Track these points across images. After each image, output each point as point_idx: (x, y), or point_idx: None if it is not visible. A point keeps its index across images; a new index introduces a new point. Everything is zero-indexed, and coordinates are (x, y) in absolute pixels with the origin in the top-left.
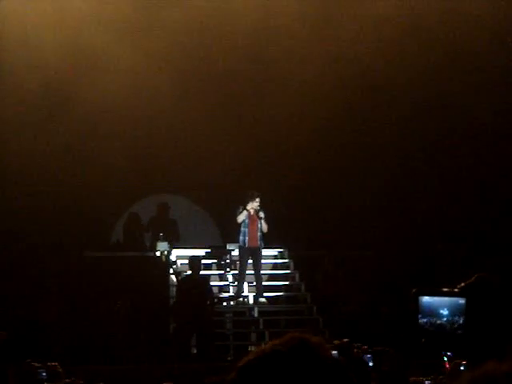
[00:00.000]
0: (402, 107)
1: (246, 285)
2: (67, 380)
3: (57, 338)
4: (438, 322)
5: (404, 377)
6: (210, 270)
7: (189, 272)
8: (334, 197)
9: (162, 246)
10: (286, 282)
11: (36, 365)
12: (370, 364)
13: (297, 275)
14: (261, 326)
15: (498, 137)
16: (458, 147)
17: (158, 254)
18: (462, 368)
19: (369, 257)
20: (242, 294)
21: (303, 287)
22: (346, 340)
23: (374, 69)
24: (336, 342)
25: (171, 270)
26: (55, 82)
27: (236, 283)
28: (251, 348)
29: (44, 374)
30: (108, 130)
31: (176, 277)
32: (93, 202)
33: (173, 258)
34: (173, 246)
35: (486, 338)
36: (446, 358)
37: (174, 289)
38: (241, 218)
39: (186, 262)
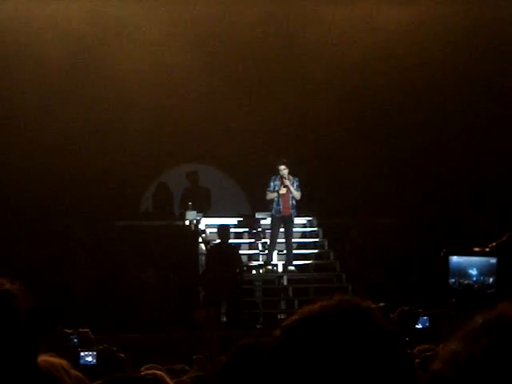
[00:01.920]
0: (427, 75)
1: (275, 253)
2: (100, 347)
3: (87, 306)
4: (466, 281)
5: None
6: (241, 238)
7: (218, 240)
8: (362, 165)
9: (191, 215)
10: (315, 251)
11: (68, 331)
12: (426, 325)
13: (325, 243)
14: (290, 294)
15: None
16: (484, 113)
17: (187, 222)
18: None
19: (397, 224)
20: (272, 263)
21: (332, 255)
22: (382, 304)
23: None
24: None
25: (200, 239)
26: (81, 52)
27: (266, 251)
28: (281, 316)
29: (76, 339)
30: (136, 99)
31: (205, 245)
32: (122, 171)
33: (202, 226)
34: (204, 215)
35: None
36: None
37: (204, 257)
38: (270, 195)
39: (215, 230)
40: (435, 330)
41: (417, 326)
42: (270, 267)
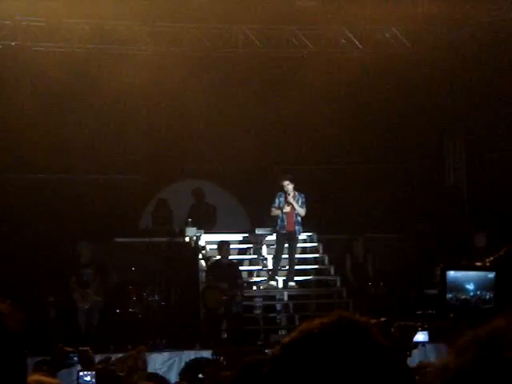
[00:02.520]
0: (428, 83)
1: (271, 266)
2: (99, 366)
3: (87, 323)
4: (463, 296)
5: None
6: (245, 254)
7: (218, 257)
8: (362, 180)
9: (191, 232)
10: (316, 266)
11: (68, 349)
12: (426, 339)
13: (326, 259)
14: (291, 310)
15: None
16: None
17: (187, 239)
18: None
19: (397, 239)
20: (267, 278)
21: (332, 270)
22: (383, 319)
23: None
24: (373, 321)
25: (200, 255)
26: (78, 68)
27: (269, 267)
28: (281, 332)
29: (76, 358)
30: (135, 116)
31: (205, 262)
32: (121, 188)
33: (202, 243)
34: (205, 231)
35: None
36: None
37: (204, 274)
38: (274, 212)
39: (215, 246)
40: (434, 344)
41: (415, 341)
42: (273, 283)
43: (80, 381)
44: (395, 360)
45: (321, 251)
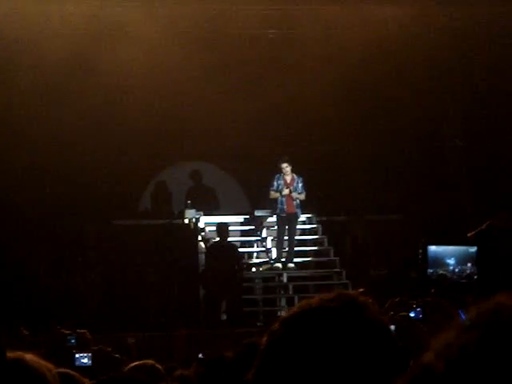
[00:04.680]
0: (426, 73)
1: (274, 250)
2: (94, 348)
3: (87, 305)
4: (442, 271)
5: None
6: (248, 236)
7: (217, 239)
8: (362, 161)
9: (191, 214)
10: (315, 248)
11: (65, 331)
12: (420, 316)
13: (325, 240)
14: (290, 292)
15: None
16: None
17: (186, 221)
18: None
19: (397, 220)
20: (272, 261)
21: (332, 252)
22: (360, 290)
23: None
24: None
25: (200, 237)
26: (77, 52)
27: (265, 249)
28: (281, 313)
29: (73, 340)
30: (134, 99)
31: (204, 244)
32: (120, 170)
33: (201, 225)
34: (205, 213)
35: (498, 284)
36: None
37: (203, 256)
38: (273, 195)
39: (215, 228)
40: (428, 319)
41: (411, 315)
42: (279, 265)
43: (77, 363)
44: (392, 336)
45: (320, 233)
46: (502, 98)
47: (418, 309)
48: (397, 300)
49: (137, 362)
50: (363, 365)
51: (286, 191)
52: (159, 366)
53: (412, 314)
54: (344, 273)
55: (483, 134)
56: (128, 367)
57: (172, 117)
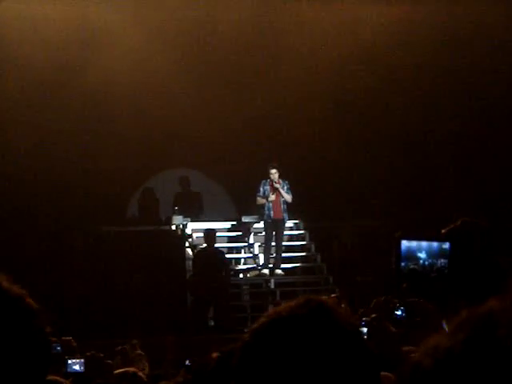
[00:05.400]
0: (418, 82)
1: (262, 256)
2: (87, 353)
3: (75, 312)
4: (412, 266)
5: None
6: (235, 242)
7: (204, 245)
8: (348, 167)
9: (178, 220)
10: (302, 253)
11: (52, 339)
12: (403, 315)
13: (312, 246)
14: (277, 298)
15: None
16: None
17: (173, 227)
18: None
19: (385, 226)
20: (259, 267)
21: (319, 258)
22: (333, 295)
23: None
24: (324, 298)
25: (187, 244)
26: (64, 57)
27: (252, 255)
28: None
29: (59, 347)
30: (121, 105)
31: (192, 250)
32: (108, 177)
33: (188, 231)
34: (193, 219)
35: (469, 282)
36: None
37: (190, 262)
38: (260, 201)
39: (202, 235)
40: (410, 319)
41: (396, 313)
42: (266, 271)
43: (69, 369)
44: (362, 339)
45: (307, 238)
46: (488, 109)
47: (402, 307)
48: (382, 299)
49: (119, 370)
50: (334, 369)
51: (272, 197)
52: (141, 374)
53: (398, 312)
54: (331, 278)
55: (471, 140)
56: (111, 375)
57: (159, 124)
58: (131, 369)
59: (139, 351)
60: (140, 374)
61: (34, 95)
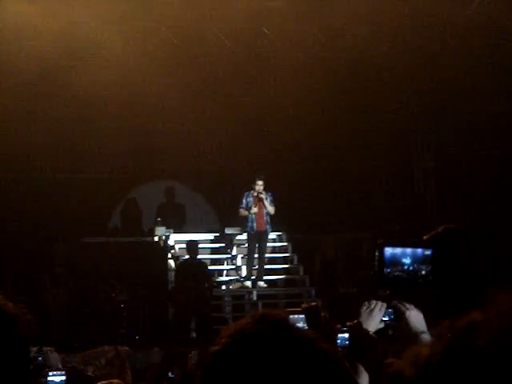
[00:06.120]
0: (403, 90)
1: (244, 268)
2: (68, 366)
3: (55, 323)
4: (397, 272)
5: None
6: (218, 254)
7: (187, 256)
8: (331, 179)
9: (161, 231)
10: (285, 265)
11: (33, 349)
12: (392, 317)
13: (295, 258)
14: (260, 310)
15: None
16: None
17: (156, 238)
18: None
19: (367, 238)
20: (242, 279)
21: (302, 270)
22: (313, 304)
23: (372, 49)
24: (303, 305)
25: (169, 255)
26: (49, 68)
27: (234, 267)
28: None
29: (40, 358)
30: (105, 117)
31: (174, 261)
32: (90, 188)
33: (171, 242)
34: (175, 231)
35: (452, 288)
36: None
37: (173, 273)
38: (243, 213)
39: (184, 246)
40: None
41: (383, 319)
42: (248, 283)
43: (49, 382)
44: (321, 349)
45: (290, 251)
46: (472, 121)
47: (390, 310)
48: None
49: (103, 382)
50: (295, 380)
51: (254, 209)
52: None
53: (385, 318)
54: (313, 291)
55: (454, 155)
56: None
57: (143, 135)
58: (115, 380)
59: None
60: None
61: (17, 105)
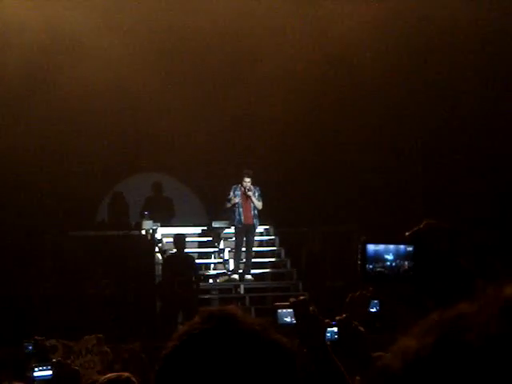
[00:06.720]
0: (390, 86)
1: (231, 261)
2: (54, 360)
3: (44, 316)
4: (379, 268)
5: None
6: (206, 247)
7: (174, 250)
8: (319, 173)
9: (148, 225)
10: (272, 259)
11: (24, 341)
12: (378, 308)
13: (282, 252)
14: (247, 303)
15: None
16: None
17: (143, 232)
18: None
19: (353, 231)
20: (229, 272)
21: (289, 264)
22: (302, 298)
23: (361, 47)
24: (292, 299)
25: (157, 249)
26: (36, 63)
27: (222, 261)
28: None
29: (30, 347)
30: (92, 110)
31: (161, 255)
32: (77, 181)
33: (158, 236)
34: (163, 224)
35: (434, 285)
36: None
37: (160, 267)
38: (229, 204)
39: (171, 239)
40: (385, 314)
41: (370, 310)
42: (236, 276)
43: (36, 375)
44: (270, 341)
45: (277, 244)
46: (462, 124)
47: (376, 301)
48: (357, 294)
49: (112, 374)
50: (243, 375)
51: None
52: (134, 380)
53: (372, 310)
54: (301, 284)
55: (443, 156)
56: (103, 379)
57: (131, 128)
58: (125, 373)
59: (105, 348)
60: (133, 378)
61: (3, 100)
